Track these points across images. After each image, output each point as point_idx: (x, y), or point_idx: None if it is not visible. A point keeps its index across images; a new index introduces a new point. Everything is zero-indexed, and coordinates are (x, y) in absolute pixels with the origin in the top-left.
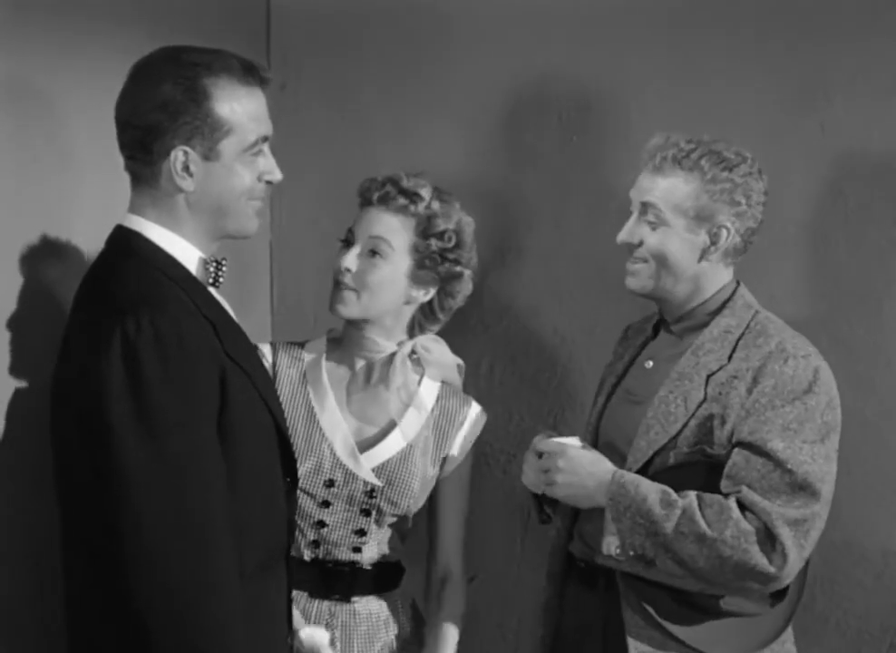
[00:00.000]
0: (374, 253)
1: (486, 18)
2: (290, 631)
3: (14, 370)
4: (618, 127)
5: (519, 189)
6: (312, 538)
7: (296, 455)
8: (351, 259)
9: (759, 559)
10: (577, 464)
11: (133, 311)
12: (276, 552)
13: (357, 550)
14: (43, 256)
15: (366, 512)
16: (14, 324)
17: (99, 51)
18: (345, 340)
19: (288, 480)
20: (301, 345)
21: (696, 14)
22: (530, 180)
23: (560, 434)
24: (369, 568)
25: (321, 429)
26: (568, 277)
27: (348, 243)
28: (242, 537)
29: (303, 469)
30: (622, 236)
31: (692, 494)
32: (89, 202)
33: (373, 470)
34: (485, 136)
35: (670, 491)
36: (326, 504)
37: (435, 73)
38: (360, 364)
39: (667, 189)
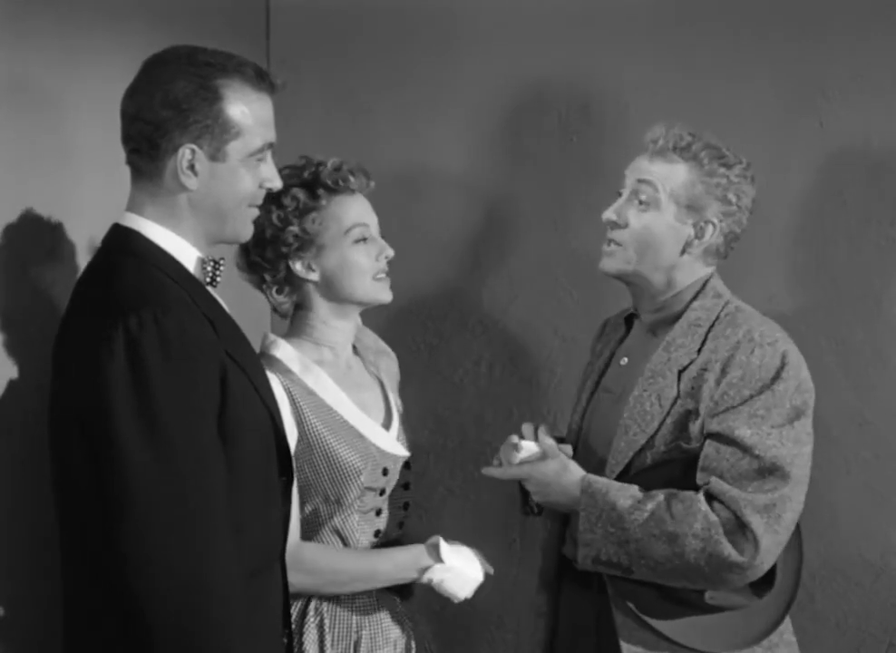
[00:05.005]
0: None
1: (486, 19)
2: (284, 630)
3: (13, 369)
4: (618, 127)
5: (518, 188)
6: (375, 529)
7: (347, 466)
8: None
9: (730, 549)
10: (544, 484)
11: (135, 309)
12: (271, 552)
13: (402, 524)
14: (43, 254)
15: (406, 486)
16: (12, 323)
17: (99, 50)
18: (313, 334)
19: (283, 479)
20: (266, 359)
21: (695, 14)
22: (529, 180)
23: (523, 437)
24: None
25: (354, 428)
26: (567, 276)
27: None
28: (239, 536)
29: (365, 471)
30: (609, 214)
31: (661, 494)
32: (89, 201)
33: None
34: (485, 136)
35: (639, 494)
36: (382, 493)
37: (435, 73)
38: (338, 348)
39: (666, 173)
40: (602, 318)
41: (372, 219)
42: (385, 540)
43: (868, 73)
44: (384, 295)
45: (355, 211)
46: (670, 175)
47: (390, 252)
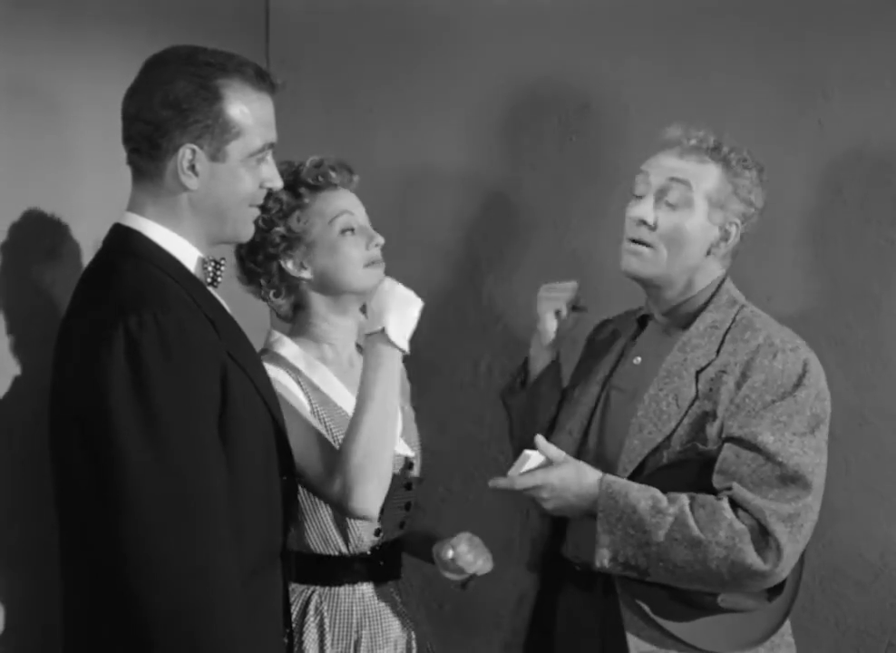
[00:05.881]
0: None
1: (485, 19)
2: (285, 630)
3: (13, 369)
4: (618, 127)
5: (518, 188)
6: (375, 528)
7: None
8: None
9: (754, 558)
10: (562, 489)
11: (135, 309)
12: (272, 551)
13: (402, 525)
14: (43, 254)
15: (408, 486)
16: (13, 323)
17: (99, 50)
18: (314, 333)
19: (285, 478)
20: (271, 356)
21: (694, 13)
22: (529, 180)
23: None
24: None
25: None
26: (567, 277)
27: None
28: (240, 536)
29: None
30: (639, 213)
31: (683, 498)
32: (89, 201)
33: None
34: (485, 136)
35: (660, 497)
36: None
37: (435, 73)
38: (338, 346)
39: (699, 172)
40: (601, 318)
41: (358, 210)
42: (386, 541)
43: (868, 73)
44: (378, 282)
45: (339, 202)
46: (704, 175)
47: (380, 240)
